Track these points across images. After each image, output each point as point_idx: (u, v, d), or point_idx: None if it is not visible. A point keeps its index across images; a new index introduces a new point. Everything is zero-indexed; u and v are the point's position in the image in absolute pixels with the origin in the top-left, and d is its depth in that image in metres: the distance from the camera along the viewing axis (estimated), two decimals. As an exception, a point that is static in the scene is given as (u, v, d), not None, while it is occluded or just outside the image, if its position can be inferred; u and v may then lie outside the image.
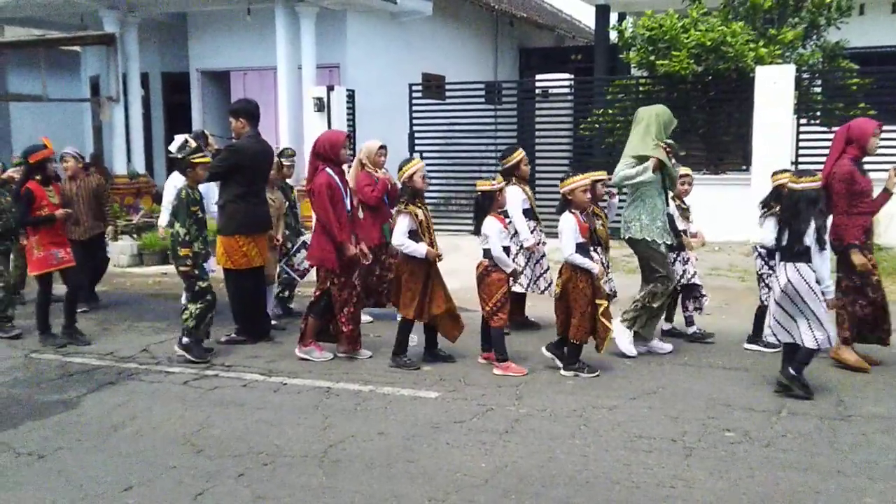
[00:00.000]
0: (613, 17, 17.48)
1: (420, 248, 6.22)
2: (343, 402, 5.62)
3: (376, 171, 7.72)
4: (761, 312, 6.62)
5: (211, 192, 7.46)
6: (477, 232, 6.32)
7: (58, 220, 7.22)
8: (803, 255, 5.46)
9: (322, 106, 13.48)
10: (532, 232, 7.34)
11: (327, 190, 6.41)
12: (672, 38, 12.33)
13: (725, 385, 5.87)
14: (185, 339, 6.70)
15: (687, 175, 7.19)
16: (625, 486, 4.23)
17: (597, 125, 13.31)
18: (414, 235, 6.24)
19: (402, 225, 6.27)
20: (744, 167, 12.32)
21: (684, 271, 6.97)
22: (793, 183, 5.60)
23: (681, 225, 7.06)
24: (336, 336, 6.72)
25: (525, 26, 21.55)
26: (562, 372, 6.15)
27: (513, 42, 21.44)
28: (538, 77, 14.49)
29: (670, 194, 6.85)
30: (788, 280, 5.49)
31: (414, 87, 14.02)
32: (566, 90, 13.98)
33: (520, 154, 7.37)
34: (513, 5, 20.63)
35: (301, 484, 4.33)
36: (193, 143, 6.79)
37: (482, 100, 14.38)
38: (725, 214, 11.00)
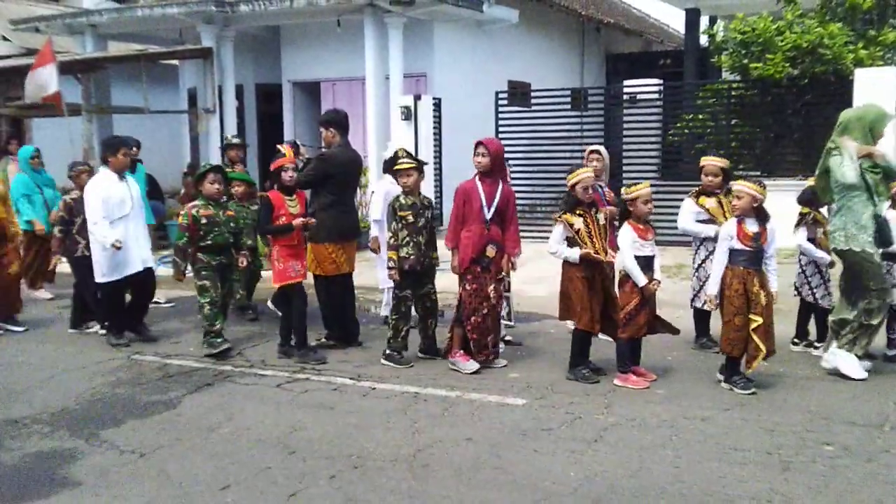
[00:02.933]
0: (703, 21, 17.14)
1: (572, 253, 6.12)
2: (431, 408, 5.67)
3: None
4: None
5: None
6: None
7: (296, 230, 6.95)
8: None
9: (409, 115, 13.65)
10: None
11: (462, 194, 6.52)
12: (766, 41, 12.03)
13: (825, 398, 5.67)
14: (386, 351, 6.85)
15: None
16: (718, 499, 4.13)
17: (686, 131, 13.07)
18: (570, 244, 6.18)
19: (556, 235, 6.25)
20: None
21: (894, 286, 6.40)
22: None
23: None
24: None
25: (612, 32, 21.34)
26: (721, 384, 5.97)
27: (599, 48, 21.26)
28: (626, 82, 14.32)
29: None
30: None
31: (500, 95, 14.04)
32: (655, 95, 13.77)
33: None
34: (600, 11, 20.46)
35: (390, 487, 4.39)
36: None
37: (568, 106, 14.30)
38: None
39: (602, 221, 6.26)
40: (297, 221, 6.88)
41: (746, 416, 5.32)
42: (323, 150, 7.52)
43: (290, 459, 4.82)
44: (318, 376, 6.50)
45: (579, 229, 6.11)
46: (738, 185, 5.94)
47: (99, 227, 7.34)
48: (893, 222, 6.28)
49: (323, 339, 7.42)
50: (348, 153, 7.44)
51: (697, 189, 7.06)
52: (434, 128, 14.15)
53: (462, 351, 6.60)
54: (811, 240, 6.74)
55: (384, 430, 5.25)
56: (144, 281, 7.85)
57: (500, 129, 13.80)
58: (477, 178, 6.55)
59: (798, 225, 6.81)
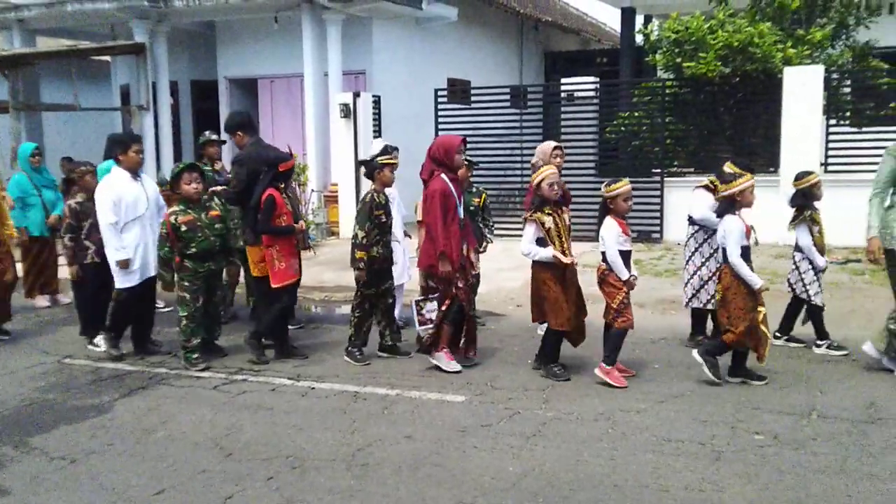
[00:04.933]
0: (639, 20, 17.42)
1: (546, 252, 6.04)
2: (370, 406, 5.65)
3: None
4: None
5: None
6: (598, 235, 6.20)
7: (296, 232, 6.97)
8: None
9: (348, 112, 13.58)
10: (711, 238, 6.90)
11: (441, 196, 6.23)
12: (698, 40, 12.28)
13: (755, 388, 5.82)
14: (348, 348, 6.78)
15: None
16: (653, 490, 4.21)
17: (622, 128, 13.27)
18: (542, 244, 6.13)
19: (528, 233, 6.18)
20: (772, 169, 12.21)
21: None
22: None
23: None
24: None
25: (550, 30, 21.55)
26: (727, 378, 5.95)
27: (538, 46, 21.44)
28: (563, 80, 14.47)
29: None
30: None
31: (440, 92, 14.06)
32: (591, 93, 13.95)
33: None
34: (538, 9, 20.63)
35: (329, 487, 4.36)
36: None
37: (508, 104, 14.39)
38: (754, 217, 10.86)
39: (568, 222, 6.28)
40: (300, 224, 7.05)
41: (681, 408, 5.43)
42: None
43: (226, 462, 4.75)
44: (255, 377, 6.42)
45: (550, 228, 6.09)
46: (746, 182, 5.94)
47: (109, 235, 6.81)
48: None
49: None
50: (262, 149, 7.33)
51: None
52: (374, 125, 14.10)
53: (448, 349, 6.51)
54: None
55: (323, 429, 5.22)
56: (150, 289, 7.22)
57: (440, 126, 13.81)
58: (443, 175, 6.32)
59: (797, 223, 6.81)
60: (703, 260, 6.86)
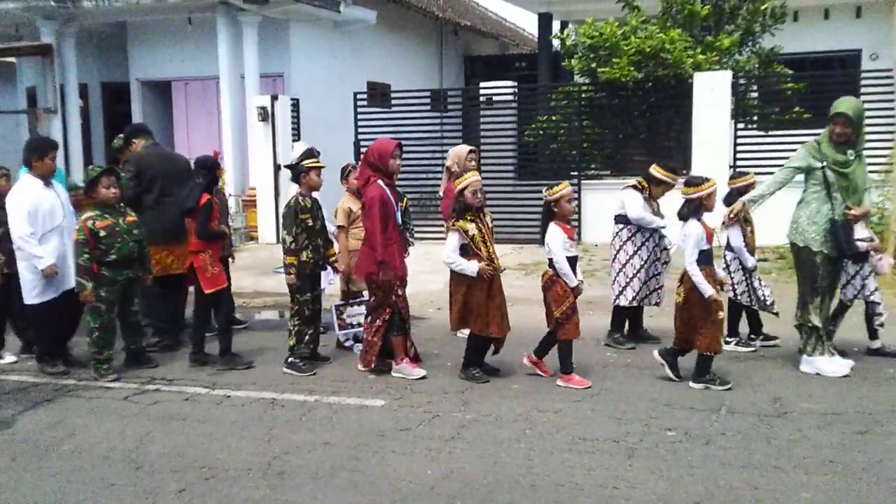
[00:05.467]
0: (556, 26, 17.68)
1: (469, 266, 5.97)
2: (288, 413, 5.57)
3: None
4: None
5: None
6: (542, 241, 6.15)
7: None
8: None
9: (266, 115, 13.39)
10: (649, 239, 7.01)
11: (380, 204, 6.14)
12: (612, 46, 12.52)
13: (668, 385, 5.96)
14: (289, 359, 6.60)
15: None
16: (568, 489, 4.26)
17: (541, 132, 13.44)
18: (465, 251, 6.07)
19: (451, 242, 6.07)
20: (684, 171, 12.53)
21: (863, 286, 6.51)
22: None
23: (863, 233, 6.43)
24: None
25: (469, 34, 21.67)
26: (691, 384, 5.88)
27: (458, 50, 21.54)
28: (482, 84, 14.58)
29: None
30: None
31: (359, 96, 13.99)
32: (510, 97, 14.09)
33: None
34: (457, 14, 20.74)
35: (244, 497, 4.28)
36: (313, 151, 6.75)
37: (428, 107, 14.41)
38: (666, 217, 11.17)
39: (490, 225, 6.26)
40: (225, 228, 6.98)
41: (596, 407, 5.51)
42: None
43: (136, 475, 4.61)
44: (168, 386, 6.26)
45: (473, 235, 6.02)
46: (710, 186, 5.92)
47: (29, 246, 6.42)
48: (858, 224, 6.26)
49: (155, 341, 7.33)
50: (158, 151, 7.40)
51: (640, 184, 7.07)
52: (293, 129, 13.94)
53: (407, 358, 6.43)
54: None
55: (238, 438, 5.12)
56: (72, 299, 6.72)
57: (360, 129, 13.75)
58: (380, 182, 6.22)
59: (728, 223, 6.88)
60: (628, 257, 6.98)
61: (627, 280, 6.97)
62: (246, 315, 9.02)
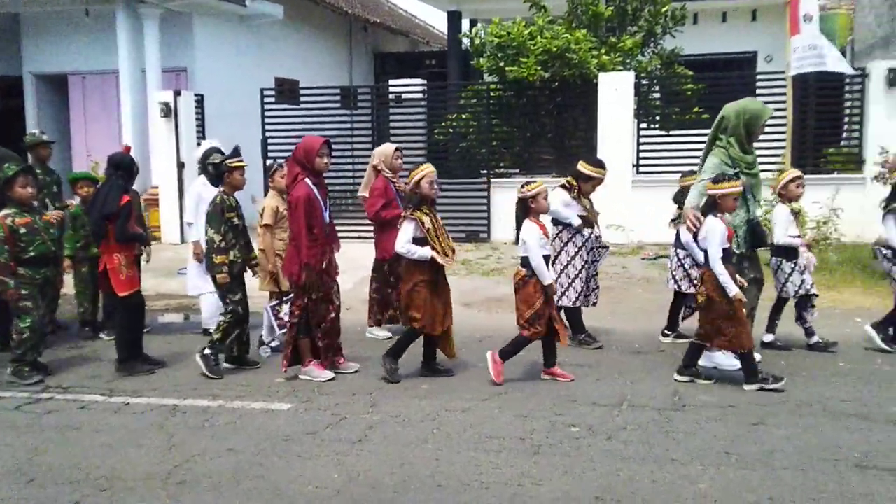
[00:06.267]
0: (465, 24, 17.78)
1: (425, 252, 5.95)
2: (190, 420, 5.43)
3: (395, 178, 7.47)
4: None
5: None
6: (516, 240, 6.08)
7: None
8: None
9: (168, 111, 13.03)
10: (589, 239, 7.03)
11: (305, 203, 6.01)
12: (520, 45, 12.68)
13: (573, 382, 6.06)
14: (206, 350, 6.41)
15: (799, 177, 6.78)
16: (475, 488, 4.28)
17: (450, 130, 13.49)
18: (420, 243, 6.01)
19: (406, 232, 6.00)
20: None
21: (802, 281, 6.62)
22: None
23: (794, 230, 6.71)
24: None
25: (379, 31, 21.58)
26: (744, 387, 5.76)
27: (367, 47, 21.43)
28: (392, 82, 14.56)
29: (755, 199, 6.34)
30: None
31: (266, 92, 13.76)
32: (420, 95, 14.09)
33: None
34: (367, 10, 20.62)
35: (143, 508, 4.15)
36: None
37: (338, 104, 14.29)
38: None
39: (440, 222, 6.20)
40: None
41: (503, 405, 5.57)
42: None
43: (28, 488, 4.42)
44: (63, 395, 6.02)
45: (429, 228, 5.99)
46: (735, 185, 5.76)
47: None
48: (782, 215, 6.55)
49: None
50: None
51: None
52: (197, 125, 13.60)
53: (315, 360, 6.32)
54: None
55: (137, 447, 4.96)
56: None
57: (268, 126, 13.54)
58: (307, 180, 6.10)
59: (675, 219, 6.99)
60: (570, 259, 6.98)
61: (570, 281, 6.98)
62: (148, 318, 8.73)
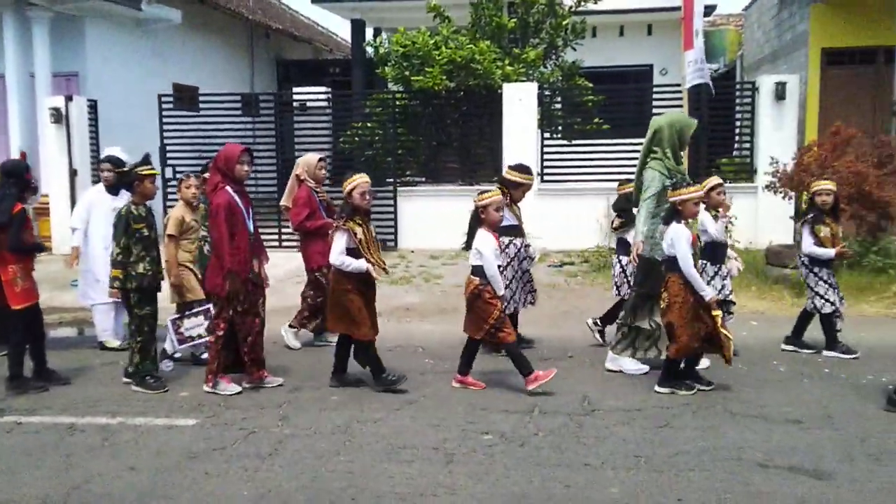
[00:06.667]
0: (369, 33, 17.73)
1: (360, 264, 5.86)
2: (88, 439, 5.18)
3: (319, 188, 7.35)
4: (805, 315, 7.03)
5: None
6: (468, 247, 5.99)
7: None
8: None
9: (60, 117, 12.51)
10: (520, 249, 6.95)
11: (226, 211, 5.86)
12: (425, 55, 12.73)
13: (484, 390, 6.08)
14: (140, 376, 6.19)
15: (720, 184, 6.80)
16: (389, 499, 4.23)
17: (356, 138, 13.41)
18: (353, 254, 5.89)
19: (339, 243, 5.88)
20: (495, 178, 12.92)
21: (723, 286, 6.67)
22: None
23: (722, 237, 6.75)
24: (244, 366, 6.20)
25: (282, 38, 21.30)
26: (657, 388, 5.90)
27: (269, 53, 21.11)
28: (296, 90, 14.37)
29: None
30: None
31: (164, 98, 13.37)
32: (324, 103, 13.97)
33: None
34: (268, 17, 20.32)
35: (38, 534, 3.93)
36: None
37: (239, 112, 14.01)
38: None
39: (374, 232, 6.11)
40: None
41: (415, 415, 5.54)
42: None
43: None
44: (-52, 416, 5.66)
45: (361, 238, 5.88)
46: (696, 189, 5.86)
47: None
48: (708, 223, 6.56)
49: None
50: None
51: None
52: (91, 132, 13.09)
53: (225, 375, 6.13)
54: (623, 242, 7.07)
55: (32, 469, 4.70)
56: None
57: (166, 134, 13.16)
58: (228, 188, 5.95)
59: (618, 227, 7.07)
60: (501, 268, 6.93)
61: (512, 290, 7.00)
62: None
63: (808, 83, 12.53)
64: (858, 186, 8.96)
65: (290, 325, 7.45)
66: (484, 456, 4.78)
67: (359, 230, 5.92)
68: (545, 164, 12.73)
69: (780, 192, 10.00)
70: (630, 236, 6.78)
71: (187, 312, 6.68)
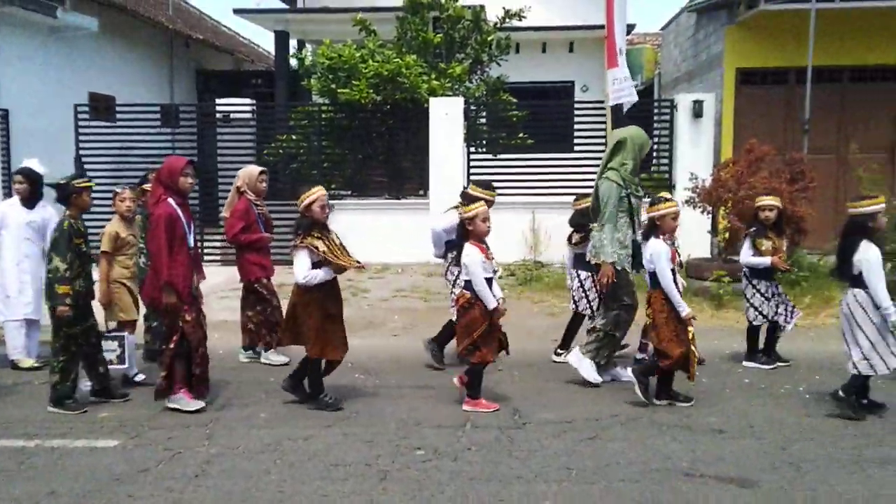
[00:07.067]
0: (293, 44, 17.57)
1: (322, 273, 5.76)
2: (3, 462, 4.95)
3: (259, 201, 7.24)
4: (753, 331, 7.15)
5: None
6: (456, 262, 5.85)
7: None
8: (858, 280, 5.61)
9: (-32, 127, 11.97)
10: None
11: (166, 223, 5.73)
12: (351, 68, 12.68)
13: (416, 405, 6.07)
14: (56, 397, 5.97)
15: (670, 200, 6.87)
16: (323, 518, 4.18)
17: (281, 151, 13.25)
18: (317, 267, 5.76)
19: (303, 262, 5.73)
20: (421, 192, 12.97)
21: None
22: (850, 207, 5.78)
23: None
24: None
25: (202, 48, 20.88)
26: (655, 401, 5.98)
27: (190, 63, 20.66)
28: (218, 101, 14.11)
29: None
30: (847, 304, 5.71)
31: (80, 108, 12.95)
32: (248, 115, 13.75)
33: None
34: (188, 26, 19.91)
35: (-49, 566, 3.73)
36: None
37: (158, 123, 13.67)
38: (406, 238, 11.51)
39: (339, 240, 5.98)
40: None
41: (347, 431, 5.48)
42: None
43: None
44: None
45: (324, 251, 5.74)
46: (673, 204, 5.95)
47: None
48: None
49: None
50: None
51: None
52: (2, 142, 12.57)
53: (185, 388, 5.96)
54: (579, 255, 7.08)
55: (-58, 498, 4.47)
56: None
57: (82, 144, 12.74)
58: (170, 200, 5.83)
59: (578, 243, 7.11)
60: (454, 277, 6.97)
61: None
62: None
63: (723, 102, 12.94)
64: (772, 202, 9.30)
65: (263, 350, 7.34)
66: (417, 472, 4.76)
67: (319, 243, 5.79)
68: (471, 178, 12.79)
69: (699, 207, 10.29)
70: (587, 251, 6.83)
71: (107, 334, 6.48)
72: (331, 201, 12.59)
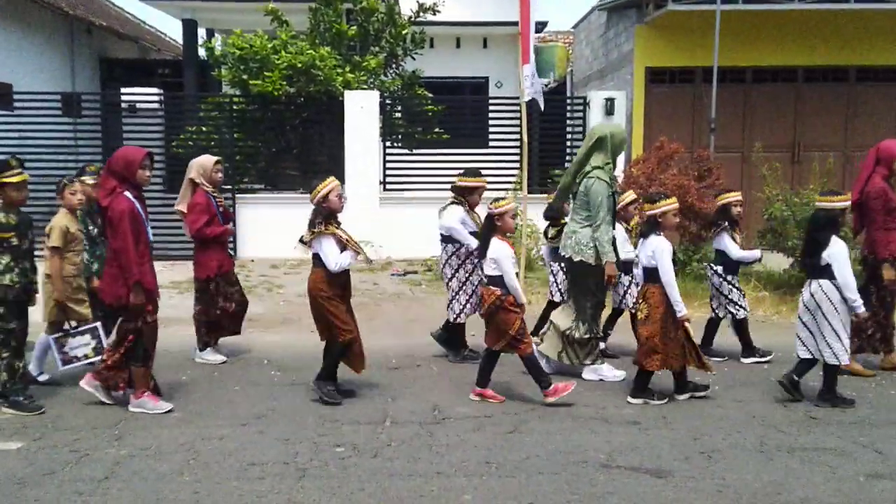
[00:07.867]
0: (202, 33, 17.13)
1: (349, 257, 5.78)
2: None
3: (216, 192, 6.94)
4: (712, 324, 7.21)
5: None
6: (482, 255, 5.78)
7: None
8: (825, 272, 5.73)
9: None
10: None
11: (130, 218, 5.46)
12: (263, 59, 12.45)
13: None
14: (11, 397, 5.69)
15: (637, 199, 7.11)
16: (240, 519, 4.09)
17: (190, 143, 12.91)
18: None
19: (331, 248, 5.73)
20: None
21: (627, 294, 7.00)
22: (820, 202, 5.91)
23: (629, 247, 6.95)
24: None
25: (105, 35, 20.16)
26: (629, 399, 5.96)
27: (92, 51, 19.92)
28: (124, 90, 13.64)
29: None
30: (812, 295, 5.80)
31: (-26, 96, 12.33)
32: (156, 105, 13.35)
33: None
34: (90, 12, 19.18)
35: None
36: None
37: (59, 112, 13.12)
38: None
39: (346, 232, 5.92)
40: None
41: (264, 429, 5.37)
42: None
43: None
44: None
45: (347, 239, 5.76)
46: (670, 203, 5.93)
47: None
48: (619, 233, 6.76)
49: None
50: None
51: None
52: None
53: (149, 391, 5.74)
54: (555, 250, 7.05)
55: None
56: None
57: (-24, 133, 12.12)
58: (127, 193, 5.54)
59: (553, 237, 7.09)
60: (453, 272, 6.97)
61: (453, 294, 6.97)
62: None
63: (633, 100, 13.24)
64: (682, 198, 9.57)
65: (198, 350, 7.14)
66: (337, 469, 4.71)
67: (340, 232, 5.82)
68: (387, 172, 12.76)
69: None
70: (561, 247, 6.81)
71: (72, 331, 6.19)
72: (241, 195, 12.52)
